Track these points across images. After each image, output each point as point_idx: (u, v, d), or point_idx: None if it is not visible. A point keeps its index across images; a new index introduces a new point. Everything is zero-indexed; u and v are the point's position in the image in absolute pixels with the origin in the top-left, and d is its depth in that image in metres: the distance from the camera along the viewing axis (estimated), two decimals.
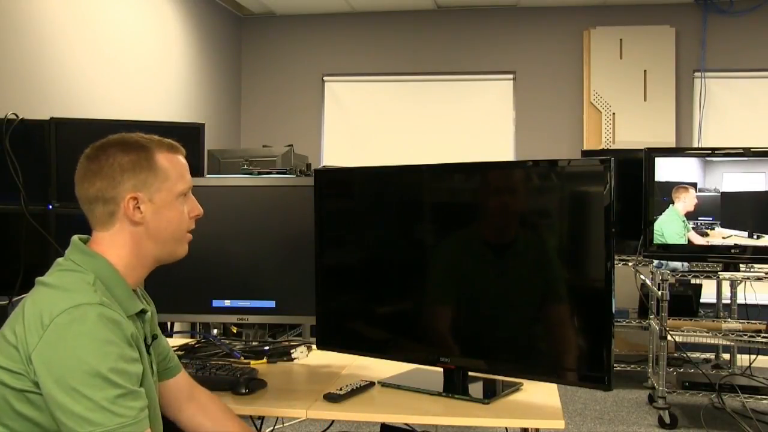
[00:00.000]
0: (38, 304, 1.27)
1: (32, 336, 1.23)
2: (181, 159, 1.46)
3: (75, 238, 1.41)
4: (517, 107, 6.13)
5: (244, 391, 1.75)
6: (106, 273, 1.36)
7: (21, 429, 1.25)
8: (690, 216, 3.78)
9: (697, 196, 3.77)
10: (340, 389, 1.74)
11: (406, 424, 1.93)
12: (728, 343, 4.06)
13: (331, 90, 6.46)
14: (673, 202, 3.79)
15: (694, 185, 3.78)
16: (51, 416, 1.23)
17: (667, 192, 3.80)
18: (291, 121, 6.36)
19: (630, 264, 4.22)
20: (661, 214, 3.80)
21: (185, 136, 3.00)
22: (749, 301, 4.32)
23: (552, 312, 1.72)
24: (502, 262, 1.81)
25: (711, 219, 3.75)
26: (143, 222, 1.39)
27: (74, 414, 1.19)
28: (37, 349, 1.22)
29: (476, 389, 1.80)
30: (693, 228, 3.77)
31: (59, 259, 1.39)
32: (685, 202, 3.77)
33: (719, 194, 3.75)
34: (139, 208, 1.38)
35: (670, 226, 3.79)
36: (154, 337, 1.51)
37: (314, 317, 2.04)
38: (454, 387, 1.80)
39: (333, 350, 2.03)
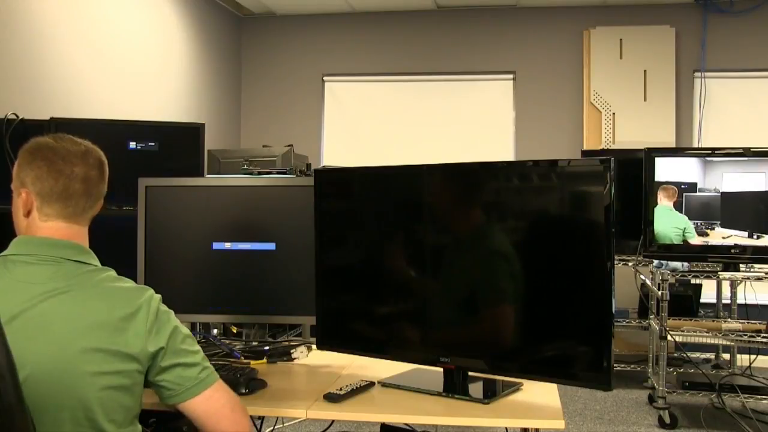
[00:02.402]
0: (127, 300, 1.41)
1: (140, 332, 1.38)
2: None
3: (79, 245, 1.48)
4: (517, 107, 6.13)
5: (244, 391, 1.74)
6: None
7: (120, 418, 1.39)
8: (691, 217, 3.78)
9: (695, 197, 3.77)
10: (340, 389, 1.74)
11: (406, 424, 1.93)
12: (728, 343, 4.06)
13: (331, 90, 6.46)
14: (657, 202, 3.80)
15: (692, 185, 3.79)
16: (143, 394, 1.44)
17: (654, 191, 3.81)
18: (291, 121, 6.36)
19: (630, 264, 4.22)
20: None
21: (185, 136, 3.01)
22: (749, 301, 4.32)
23: (551, 312, 1.71)
24: (502, 262, 1.81)
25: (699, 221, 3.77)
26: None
27: (190, 364, 1.44)
28: (149, 339, 1.39)
29: (476, 389, 1.80)
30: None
31: (90, 269, 1.46)
32: (674, 198, 3.79)
33: (719, 194, 3.75)
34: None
35: (660, 221, 3.80)
36: None
37: (314, 317, 2.04)
38: (454, 387, 1.80)
39: (333, 350, 2.03)
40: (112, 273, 1.47)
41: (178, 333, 1.46)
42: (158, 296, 1.47)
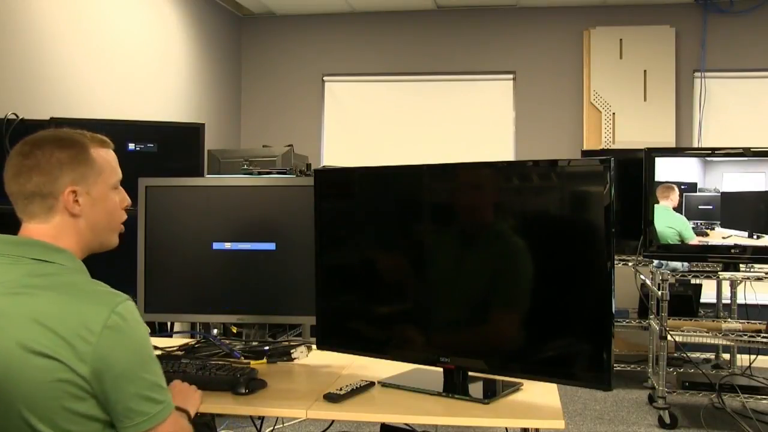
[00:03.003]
0: (74, 314, 1.28)
1: (83, 345, 1.27)
2: (112, 153, 1.54)
3: (30, 238, 1.41)
4: (517, 107, 6.13)
5: (244, 391, 1.75)
6: (79, 264, 1.44)
7: (75, 428, 1.30)
8: (691, 217, 3.78)
9: (695, 197, 3.77)
10: (340, 389, 1.74)
11: (406, 424, 1.93)
12: (728, 343, 4.06)
13: (331, 90, 6.46)
14: (657, 202, 3.80)
15: (692, 185, 3.79)
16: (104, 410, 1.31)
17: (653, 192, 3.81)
18: (291, 121, 6.36)
19: (630, 264, 4.22)
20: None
21: (185, 136, 3.01)
22: (749, 301, 4.31)
23: (551, 312, 1.71)
24: (501, 262, 1.81)
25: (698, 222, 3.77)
26: (81, 214, 1.45)
27: (147, 398, 1.32)
28: (95, 355, 1.27)
29: (476, 389, 1.80)
30: (692, 228, 3.77)
31: (37, 267, 1.37)
32: (672, 200, 3.79)
33: (719, 194, 3.75)
34: (77, 200, 1.44)
35: (658, 222, 3.80)
36: None
37: (314, 317, 2.04)
38: (454, 387, 1.80)
39: (333, 350, 2.03)
40: (82, 276, 1.40)
41: (137, 355, 1.32)
42: (126, 307, 1.32)
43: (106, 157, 1.50)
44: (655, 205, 3.79)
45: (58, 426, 1.28)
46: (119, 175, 1.53)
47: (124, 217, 1.56)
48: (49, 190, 1.42)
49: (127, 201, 1.57)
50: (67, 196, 1.42)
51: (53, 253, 1.40)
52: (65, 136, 1.47)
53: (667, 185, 3.81)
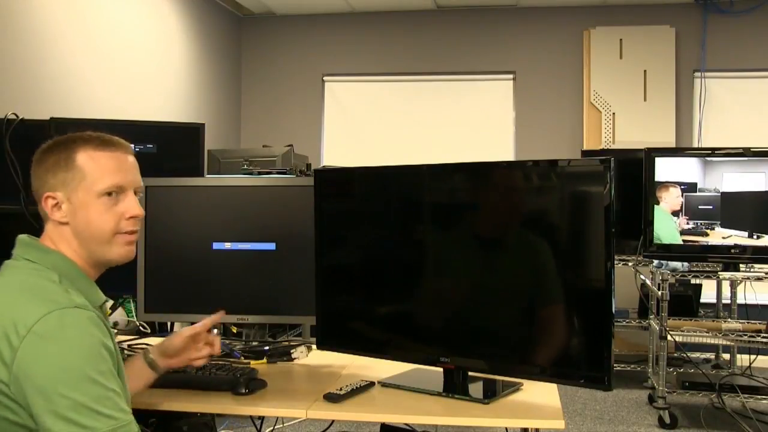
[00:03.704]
0: (8, 311, 1.23)
1: (6, 348, 1.19)
2: (112, 155, 1.40)
3: (24, 236, 1.40)
4: (517, 107, 6.13)
5: (244, 391, 1.74)
6: (66, 267, 1.36)
7: None
8: (691, 217, 3.78)
9: (696, 197, 3.77)
10: (340, 389, 1.74)
11: (406, 424, 1.93)
12: (728, 343, 4.06)
13: (331, 90, 6.46)
14: (658, 202, 3.80)
15: (692, 185, 3.78)
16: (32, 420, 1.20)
17: (653, 191, 3.81)
18: (291, 121, 6.36)
19: (630, 264, 4.22)
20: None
21: (185, 136, 3.01)
22: (749, 301, 4.31)
23: (552, 312, 1.71)
24: (501, 262, 1.81)
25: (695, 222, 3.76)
26: (69, 221, 1.38)
27: (67, 419, 1.16)
28: (16, 360, 1.19)
29: (476, 389, 1.80)
30: (692, 228, 3.77)
31: (8, 261, 1.37)
32: (671, 201, 3.78)
33: (719, 194, 3.75)
34: (59, 207, 1.37)
35: (662, 223, 3.79)
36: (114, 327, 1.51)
37: (314, 317, 2.04)
38: (454, 387, 1.80)
39: (333, 350, 2.03)
40: (48, 276, 1.32)
41: (62, 370, 1.18)
42: (63, 314, 1.22)
43: (96, 159, 1.38)
44: (655, 207, 3.79)
45: None
46: (113, 181, 1.38)
47: (128, 227, 1.41)
48: (37, 195, 1.39)
49: (134, 211, 1.41)
50: (45, 202, 1.38)
51: (34, 252, 1.36)
52: (58, 140, 1.41)
53: (662, 185, 3.80)
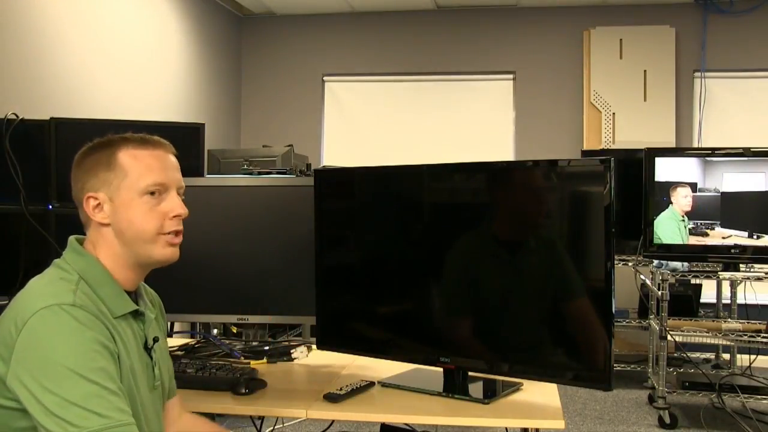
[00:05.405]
0: (16, 305, 1.25)
1: (9, 340, 1.20)
2: (153, 153, 1.38)
3: (72, 238, 1.39)
4: (517, 107, 6.13)
5: (244, 391, 1.75)
6: (94, 271, 1.33)
7: None
8: (691, 216, 3.78)
9: (695, 197, 3.76)
10: (340, 389, 1.74)
11: (406, 424, 1.93)
12: (728, 343, 4.06)
13: (331, 90, 6.46)
14: (671, 203, 3.80)
15: (692, 185, 3.78)
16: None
17: (666, 192, 3.81)
18: (291, 121, 6.36)
19: (630, 264, 4.22)
20: (659, 214, 3.80)
21: (185, 136, 3.01)
22: (749, 301, 4.32)
23: (551, 312, 1.71)
24: (500, 262, 1.81)
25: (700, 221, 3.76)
26: (111, 222, 1.35)
27: (52, 413, 1.14)
28: (13, 354, 1.19)
29: (476, 389, 1.80)
30: (692, 228, 3.77)
31: (56, 260, 1.37)
32: (678, 202, 3.78)
33: (719, 194, 3.75)
34: (101, 208, 1.35)
35: (664, 226, 3.79)
36: (155, 340, 1.44)
37: (314, 317, 2.04)
38: (454, 387, 1.80)
39: (333, 350, 2.03)
40: (47, 277, 1.32)
41: (46, 363, 1.17)
42: (49, 312, 1.20)
43: (139, 158, 1.35)
44: (668, 207, 3.78)
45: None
46: (156, 179, 1.35)
47: (173, 227, 1.38)
48: (78, 198, 1.36)
49: (178, 210, 1.37)
50: (86, 203, 1.35)
51: (70, 253, 1.35)
52: (99, 141, 1.38)
53: (673, 185, 3.79)
